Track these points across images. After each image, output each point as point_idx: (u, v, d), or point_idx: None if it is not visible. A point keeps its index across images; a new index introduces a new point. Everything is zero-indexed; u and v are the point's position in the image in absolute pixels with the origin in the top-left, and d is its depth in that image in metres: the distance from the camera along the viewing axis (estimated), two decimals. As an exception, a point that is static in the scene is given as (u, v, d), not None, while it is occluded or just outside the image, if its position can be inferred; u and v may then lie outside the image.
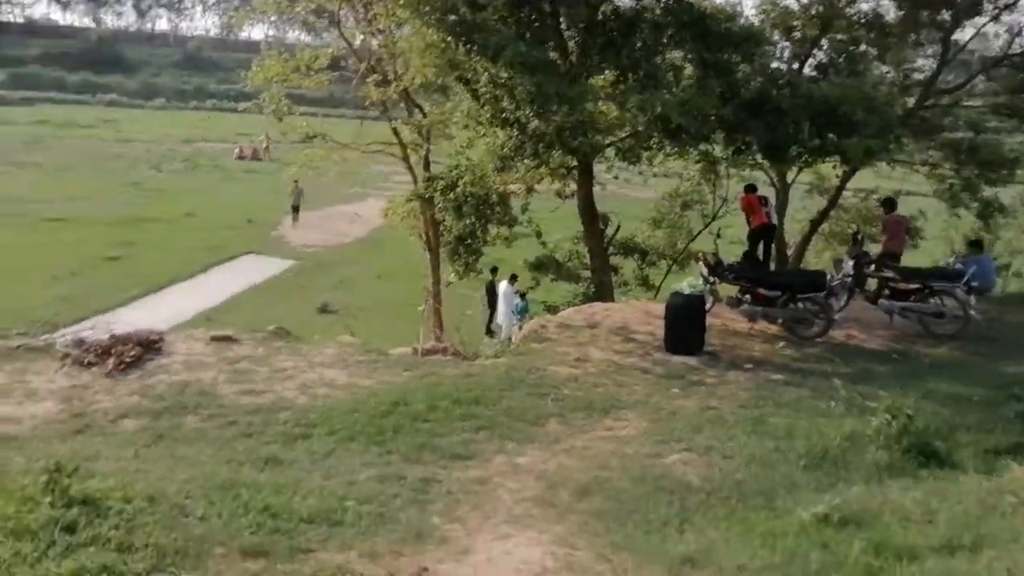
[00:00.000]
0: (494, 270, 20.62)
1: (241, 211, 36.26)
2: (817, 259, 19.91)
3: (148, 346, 9.68)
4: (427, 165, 16.58)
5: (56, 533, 4.48)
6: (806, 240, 18.50)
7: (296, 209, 34.68)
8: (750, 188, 14.09)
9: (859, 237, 15.26)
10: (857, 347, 11.77)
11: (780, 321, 11.89)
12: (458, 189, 14.09)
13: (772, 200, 13.57)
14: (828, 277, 11.82)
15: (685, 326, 10.87)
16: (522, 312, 21.40)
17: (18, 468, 5.53)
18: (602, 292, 15.48)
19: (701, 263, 12.36)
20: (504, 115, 12.41)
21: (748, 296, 12.07)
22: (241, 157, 52.77)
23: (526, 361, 10.16)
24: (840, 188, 18.17)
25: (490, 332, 23.05)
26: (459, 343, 13.61)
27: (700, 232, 19.52)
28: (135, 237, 32.26)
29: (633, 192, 27.02)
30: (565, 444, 7.47)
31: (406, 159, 16.56)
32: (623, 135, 13.72)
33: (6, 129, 56.77)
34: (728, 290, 12.55)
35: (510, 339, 21.86)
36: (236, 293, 27.19)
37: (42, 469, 4.86)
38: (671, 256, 18.39)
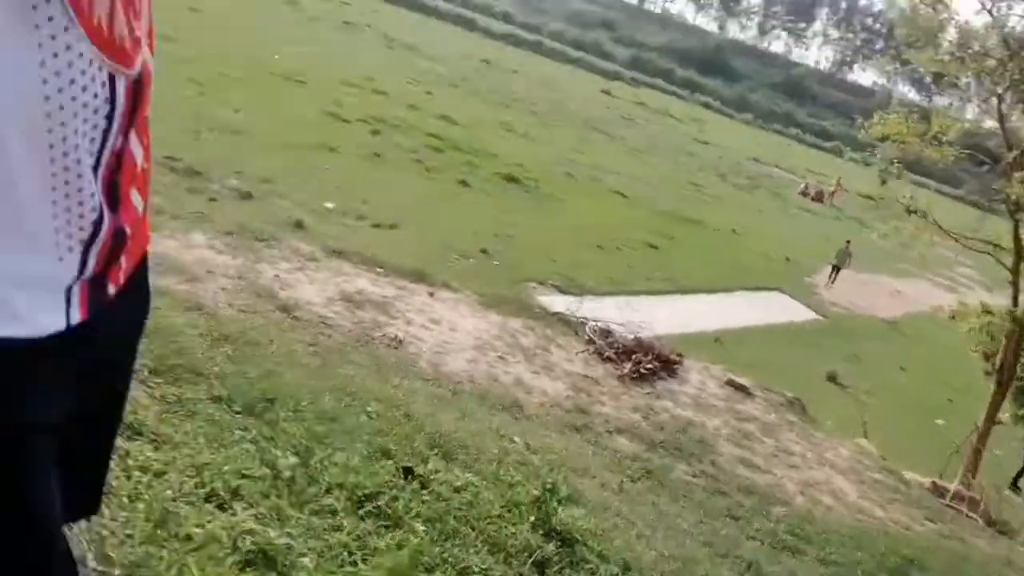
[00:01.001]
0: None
1: (784, 247, 35.35)
2: None
3: (666, 363, 9.25)
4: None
5: (527, 567, 3.99)
6: None
7: (836, 269, 32.44)
8: None
9: None
10: None
11: None
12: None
13: None
14: None
15: None
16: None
17: (516, 457, 5.24)
18: None
19: None
20: None
21: None
22: (804, 194, 51.64)
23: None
24: None
25: (1017, 485, 19.48)
26: (991, 497, 11.29)
27: None
28: (678, 233, 33.07)
29: None
30: None
31: (1016, 270, 13.97)
32: None
33: (610, 101, 62.36)
34: None
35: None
36: (751, 325, 26.51)
37: (537, 482, 4.42)
38: None
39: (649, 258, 29.85)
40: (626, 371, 8.65)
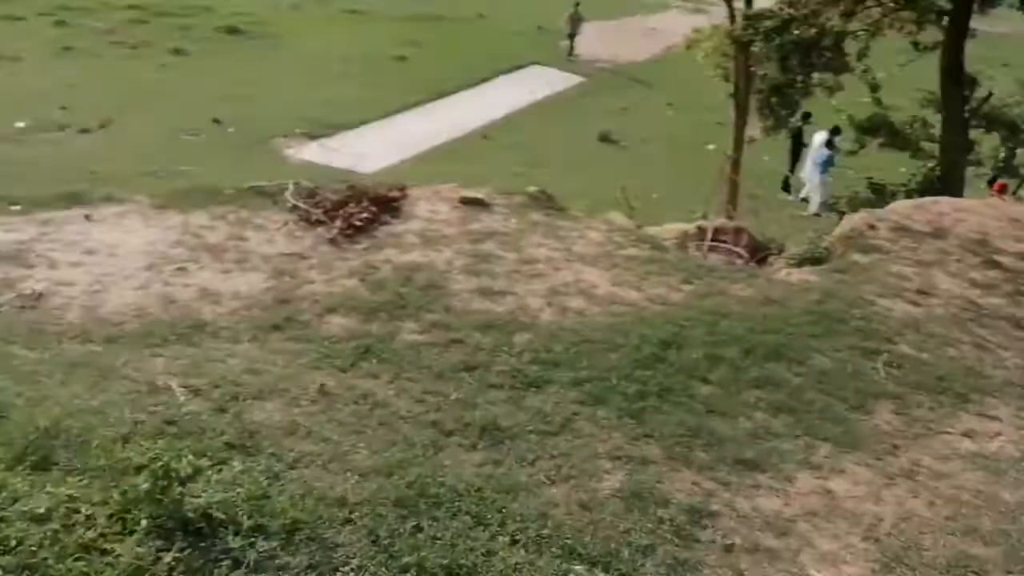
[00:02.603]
0: (806, 115, 17.44)
1: (534, 14, 34.13)
2: None
3: (385, 205, 8.18)
4: (748, -4, 13.45)
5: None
6: None
7: (571, 37, 30.97)
8: None
9: None
10: None
11: None
12: (788, 33, 11.09)
13: None
14: None
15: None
16: (826, 164, 18.26)
17: (161, 419, 4.15)
18: (951, 176, 12.14)
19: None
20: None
21: None
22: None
23: (846, 285, 7.64)
24: None
25: (787, 187, 20.15)
26: (755, 225, 11.17)
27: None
28: (424, 37, 31.34)
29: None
30: (904, 459, 5.11)
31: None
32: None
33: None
34: None
35: (821, 208, 18.97)
36: (518, 108, 25.73)
37: (147, 472, 3.37)
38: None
39: (400, 72, 28.18)
40: (337, 230, 7.54)
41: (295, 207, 7.98)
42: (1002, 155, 13.99)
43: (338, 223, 7.65)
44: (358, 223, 7.71)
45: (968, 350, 6.67)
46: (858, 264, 8.26)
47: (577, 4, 28.84)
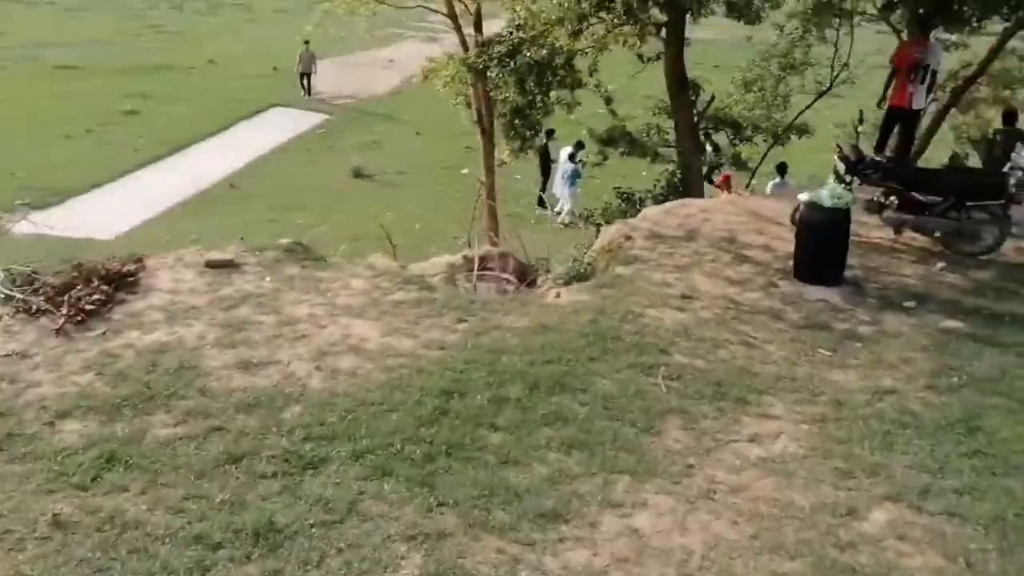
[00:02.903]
0: (550, 132, 17.87)
1: (268, 56, 33.10)
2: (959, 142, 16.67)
3: (119, 282, 7.32)
4: (478, 23, 13.45)
5: None
6: (939, 119, 15.13)
7: (306, 77, 29.86)
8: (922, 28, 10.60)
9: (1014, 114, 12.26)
10: (1040, 268, 9.08)
11: (937, 234, 9.18)
12: (521, 56, 11.17)
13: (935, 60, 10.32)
14: (1011, 179, 9.01)
15: (825, 250, 8.24)
16: (572, 177, 18.83)
17: None
18: (690, 178, 12.73)
19: (837, 157, 9.54)
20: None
21: (894, 201, 9.33)
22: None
23: (615, 300, 7.65)
24: (997, 49, 14.63)
25: (542, 204, 20.59)
26: (519, 246, 11.13)
27: (811, 104, 16.24)
28: (154, 88, 29.53)
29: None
30: (700, 478, 5.04)
31: (452, 14, 13.42)
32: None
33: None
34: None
35: (571, 217, 19.48)
36: (263, 154, 24.70)
37: None
38: (769, 130, 15.33)
39: (132, 127, 26.27)
40: (63, 319, 6.61)
41: (9, 298, 6.95)
42: (731, 152, 14.96)
43: (64, 310, 6.72)
44: (89, 307, 6.81)
45: (738, 350, 6.81)
46: (622, 276, 8.33)
47: (307, 43, 28.08)
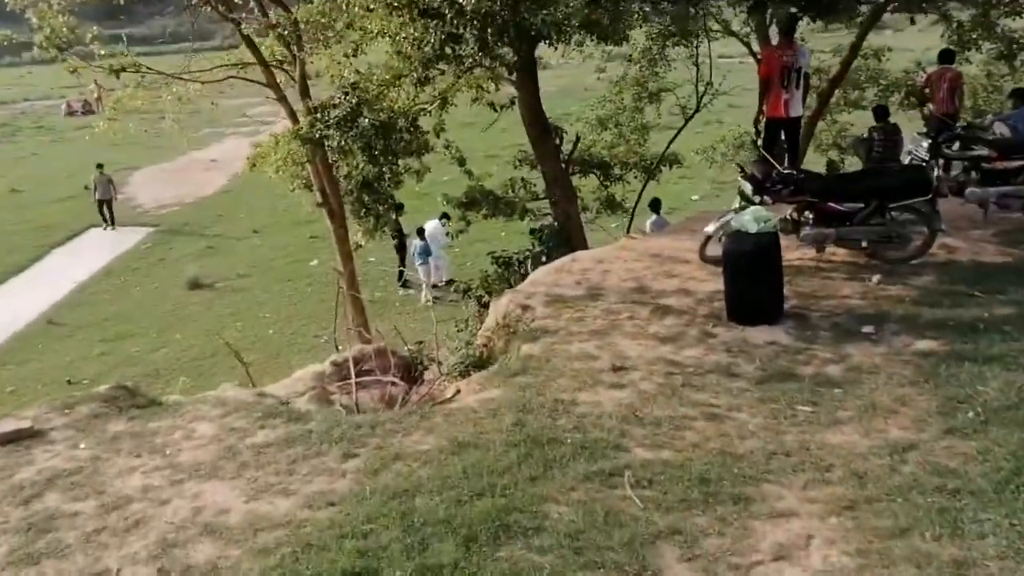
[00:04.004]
0: (398, 207, 16.40)
1: (77, 178, 30.29)
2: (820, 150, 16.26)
3: None
4: (304, 88, 11.82)
5: None
6: (814, 120, 14.60)
7: (105, 205, 25.78)
8: (785, 32, 9.76)
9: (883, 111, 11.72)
10: (976, 264, 8.18)
11: (863, 244, 8.18)
12: (362, 119, 9.63)
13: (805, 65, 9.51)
14: (934, 173, 8.12)
15: (761, 283, 7.02)
16: (423, 255, 17.49)
17: None
18: (570, 228, 11.47)
19: (740, 178, 8.45)
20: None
21: (808, 216, 8.31)
22: (71, 113, 45.53)
23: (535, 389, 6.14)
24: (856, 46, 14.21)
25: (404, 282, 19.09)
26: (394, 335, 9.55)
27: (680, 131, 15.42)
28: (-53, 230, 26.34)
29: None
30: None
31: (272, 83, 11.80)
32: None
33: None
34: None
35: (432, 293, 17.97)
36: (83, 281, 22.05)
37: None
38: (639, 165, 14.34)
39: (-77, 278, 23.10)
40: None
41: None
42: (603, 196, 13.89)
43: None
44: None
45: (705, 427, 5.41)
46: (533, 357, 6.85)
47: (100, 166, 25.25)
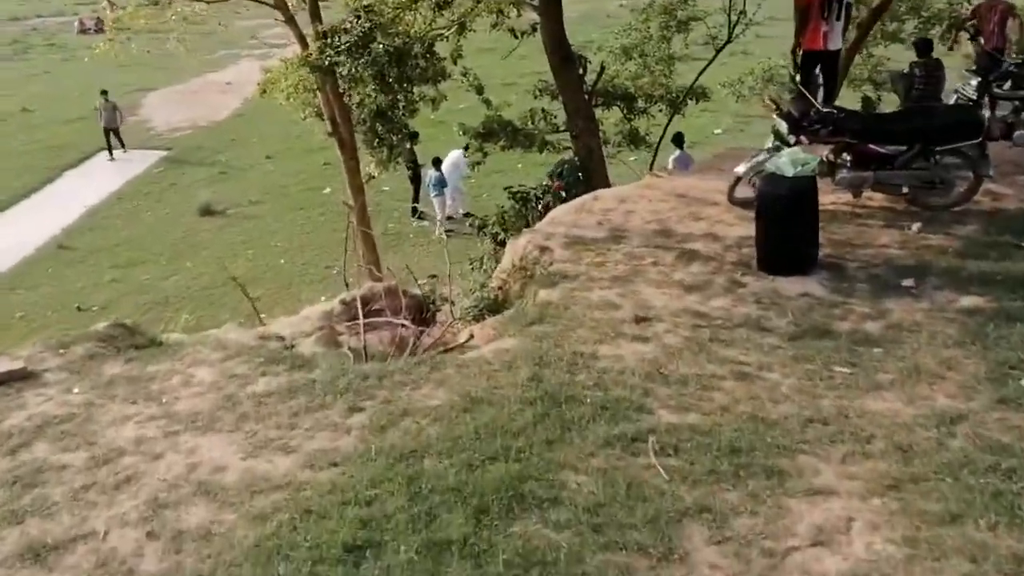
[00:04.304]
0: (413, 136, 15.92)
1: (90, 96, 29.71)
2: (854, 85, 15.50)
3: None
4: (315, 11, 11.20)
5: None
6: (851, 53, 13.85)
7: (113, 133, 24.54)
8: None
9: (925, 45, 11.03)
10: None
11: (904, 190, 7.69)
12: (375, 44, 9.08)
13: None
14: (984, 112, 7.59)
15: (795, 230, 6.58)
16: (439, 186, 17.01)
17: None
18: (591, 164, 10.97)
19: (775, 115, 7.92)
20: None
21: (846, 157, 7.80)
22: (84, 31, 44.58)
23: (553, 339, 5.78)
24: None
25: (418, 214, 18.66)
26: (405, 271, 9.19)
27: (710, 62, 14.72)
28: (-48, 149, 26.01)
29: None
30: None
31: (280, 3, 11.19)
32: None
33: None
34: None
35: (445, 225, 17.53)
36: (94, 205, 21.71)
37: None
38: (664, 98, 13.71)
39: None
40: None
41: None
42: (625, 128, 13.33)
43: None
44: None
45: (735, 388, 5.05)
46: (551, 304, 6.47)
47: (104, 93, 24.31)
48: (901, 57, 16.11)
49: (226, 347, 6.17)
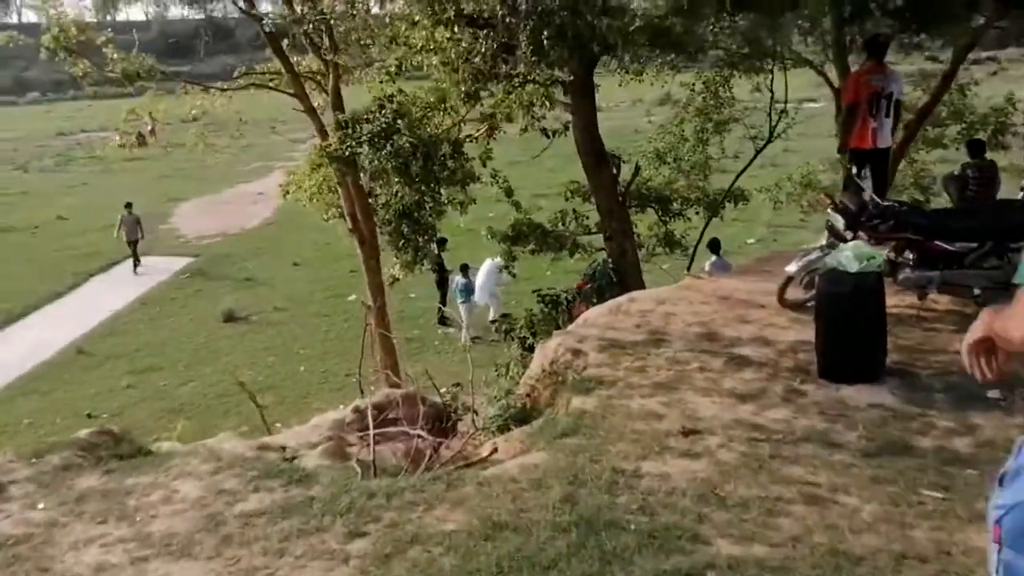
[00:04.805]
0: (442, 242, 15.45)
1: (123, 204, 29.99)
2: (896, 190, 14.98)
3: None
4: (337, 102, 10.93)
5: None
6: (898, 155, 13.34)
7: (133, 245, 24.33)
8: (875, 53, 8.69)
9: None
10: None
11: (976, 292, 6.96)
12: (399, 136, 8.66)
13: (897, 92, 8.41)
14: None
15: (860, 332, 5.85)
16: (466, 292, 16.42)
17: None
18: (625, 266, 10.38)
19: (829, 210, 7.30)
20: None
21: (909, 255, 7.12)
22: (122, 145, 45.74)
23: (590, 454, 5.02)
24: (951, 75, 12.91)
25: (444, 320, 18.04)
26: (424, 378, 8.52)
27: (752, 161, 14.29)
28: (-9, 249, 26.12)
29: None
30: None
31: (301, 93, 10.91)
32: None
33: None
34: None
35: (471, 333, 16.84)
36: (118, 309, 21.43)
37: None
38: (702, 202, 13.20)
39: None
40: None
41: None
42: (661, 231, 12.77)
43: None
44: None
45: (808, 514, 4.25)
46: (585, 412, 5.74)
47: (128, 205, 24.47)
48: (943, 162, 15.63)
49: (219, 458, 5.47)
